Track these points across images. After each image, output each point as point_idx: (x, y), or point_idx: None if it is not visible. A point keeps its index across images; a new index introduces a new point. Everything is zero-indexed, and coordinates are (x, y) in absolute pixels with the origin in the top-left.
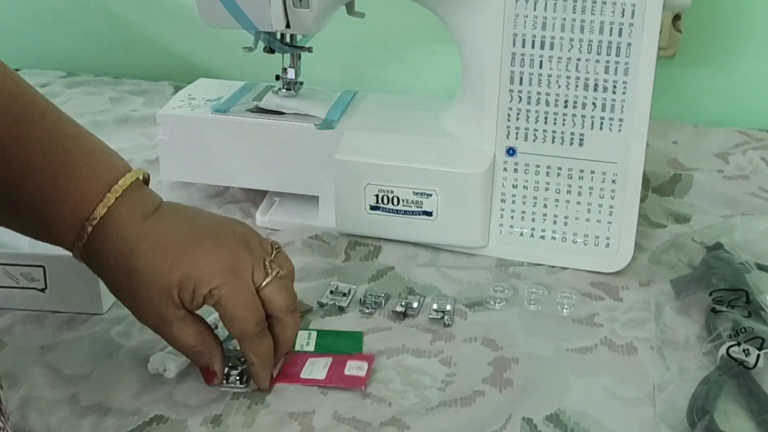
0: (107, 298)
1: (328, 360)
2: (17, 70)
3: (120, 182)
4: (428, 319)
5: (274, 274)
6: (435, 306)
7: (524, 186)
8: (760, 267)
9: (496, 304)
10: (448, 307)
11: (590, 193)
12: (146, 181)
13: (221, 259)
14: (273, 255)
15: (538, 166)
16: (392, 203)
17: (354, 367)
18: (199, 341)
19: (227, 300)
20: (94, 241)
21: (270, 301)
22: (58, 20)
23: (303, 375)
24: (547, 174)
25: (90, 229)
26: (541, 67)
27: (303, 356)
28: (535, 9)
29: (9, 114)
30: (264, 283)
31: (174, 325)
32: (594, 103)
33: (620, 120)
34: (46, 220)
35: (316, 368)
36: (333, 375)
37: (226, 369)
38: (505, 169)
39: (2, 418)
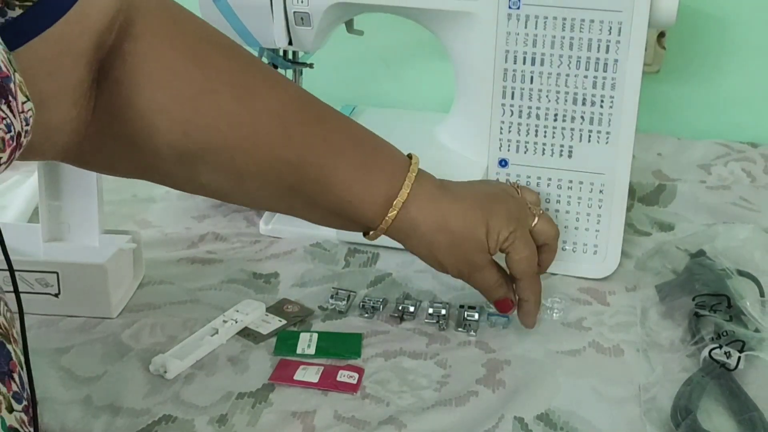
0: (117, 302)
1: (320, 368)
2: None
3: (411, 166)
4: (424, 323)
5: (538, 213)
6: (431, 310)
7: None
8: (741, 273)
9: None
10: (443, 312)
11: (579, 203)
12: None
13: (510, 210)
14: (520, 194)
15: (529, 177)
16: None
17: (346, 376)
18: (501, 276)
19: (519, 242)
20: (402, 217)
21: (543, 232)
22: None
23: (296, 377)
24: (538, 184)
25: (398, 208)
26: (531, 82)
27: (295, 363)
28: (526, 27)
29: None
30: (534, 223)
31: (485, 268)
32: (582, 117)
33: (607, 133)
34: (353, 211)
35: (308, 373)
36: (325, 380)
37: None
38: (497, 180)
39: None
